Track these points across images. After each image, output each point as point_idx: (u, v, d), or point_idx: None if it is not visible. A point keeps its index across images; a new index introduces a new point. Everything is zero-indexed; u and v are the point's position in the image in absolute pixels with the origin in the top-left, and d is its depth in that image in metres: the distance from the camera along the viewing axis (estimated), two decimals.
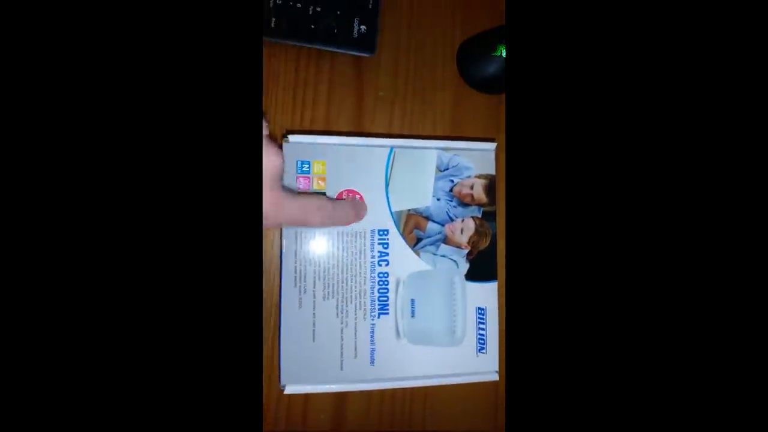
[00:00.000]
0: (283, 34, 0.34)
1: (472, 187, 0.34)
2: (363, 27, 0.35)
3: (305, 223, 0.30)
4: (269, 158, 0.26)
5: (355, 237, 0.32)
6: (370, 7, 0.35)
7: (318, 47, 0.35)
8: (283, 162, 0.27)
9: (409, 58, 0.37)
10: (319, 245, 0.32)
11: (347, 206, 0.32)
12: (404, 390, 0.35)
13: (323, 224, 0.31)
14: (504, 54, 0.35)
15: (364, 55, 0.35)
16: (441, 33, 0.38)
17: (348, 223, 0.32)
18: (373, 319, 0.32)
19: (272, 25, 0.33)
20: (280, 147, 0.28)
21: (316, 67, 0.36)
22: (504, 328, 0.34)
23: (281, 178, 0.27)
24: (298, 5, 0.34)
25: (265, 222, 0.26)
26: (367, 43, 0.35)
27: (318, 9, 0.34)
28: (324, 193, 0.32)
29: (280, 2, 0.34)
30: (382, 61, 0.37)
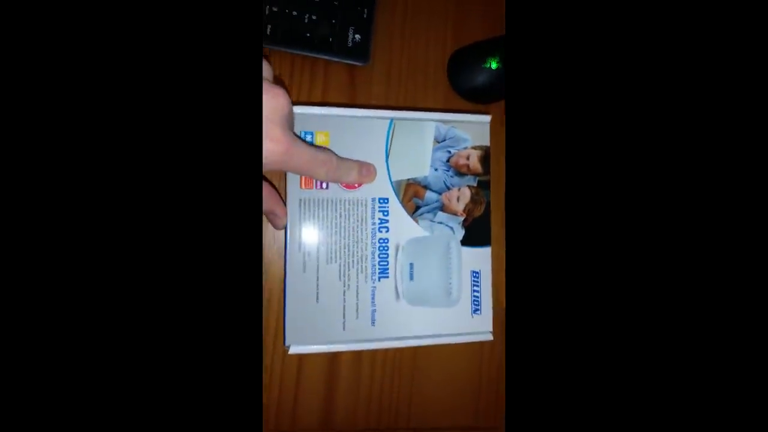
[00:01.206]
0: (278, 41, 0.35)
1: (468, 158, 0.35)
2: (357, 36, 0.36)
3: (310, 174, 0.31)
4: (275, 97, 0.25)
5: (357, 205, 0.34)
6: (365, 16, 0.36)
7: (313, 55, 0.36)
8: (290, 102, 0.27)
9: (402, 67, 0.38)
10: (321, 212, 0.33)
11: (351, 166, 0.32)
12: (394, 351, 0.37)
13: (327, 179, 0.32)
14: (493, 66, 0.37)
15: (358, 64, 0.36)
16: (433, 43, 0.39)
17: (351, 182, 0.33)
18: (374, 282, 0.34)
19: (267, 32, 0.34)
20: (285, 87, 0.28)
21: (310, 74, 0.37)
22: (497, 290, 0.36)
23: (290, 120, 0.27)
24: (294, 13, 0.35)
25: (272, 164, 0.26)
26: (362, 52, 0.36)
27: (313, 17, 0.35)
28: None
29: (275, 9, 0.34)
30: (375, 70, 0.38)
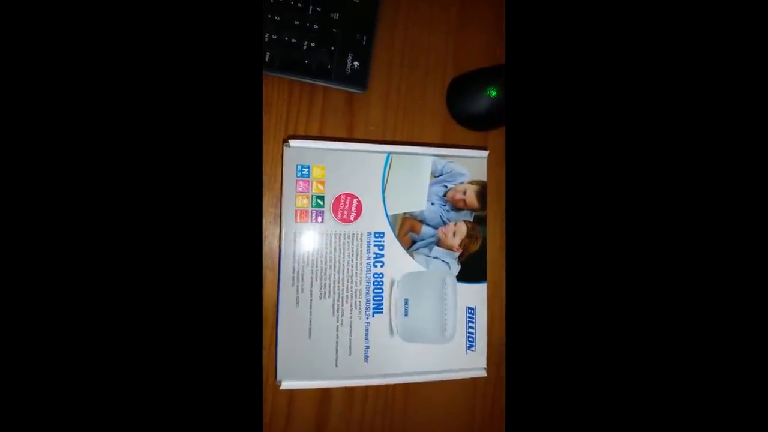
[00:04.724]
0: (276, 67, 0.35)
1: (464, 193, 0.35)
2: (356, 63, 0.36)
3: None
4: None
5: (352, 239, 0.33)
6: (363, 44, 0.36)
7: (311, 82, 0.35)
8: None
9: (400, 93, 0.38)
10: (316, 246, 0.33)
11: None
12: (386, 387, 0.37)
13: None
14: (492, 94, 0.37)
15: (357, 91, 0.36)
16: (432, 70, 0.39)
17: None
18: (367, 318, 0.33)
19: (266, 59, 0.34)
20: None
21: (308, 100, 0.36)
22: (491, 325, 0.36)
23: None
24: (293, 40, 0.35)
25: None
26: (360, 79, 0.36)
27: (312, 44, 0.35)
28: (322, 197, 0.33)
29: (275, 37, 0.34)
30: (372, 96, 0.37)
